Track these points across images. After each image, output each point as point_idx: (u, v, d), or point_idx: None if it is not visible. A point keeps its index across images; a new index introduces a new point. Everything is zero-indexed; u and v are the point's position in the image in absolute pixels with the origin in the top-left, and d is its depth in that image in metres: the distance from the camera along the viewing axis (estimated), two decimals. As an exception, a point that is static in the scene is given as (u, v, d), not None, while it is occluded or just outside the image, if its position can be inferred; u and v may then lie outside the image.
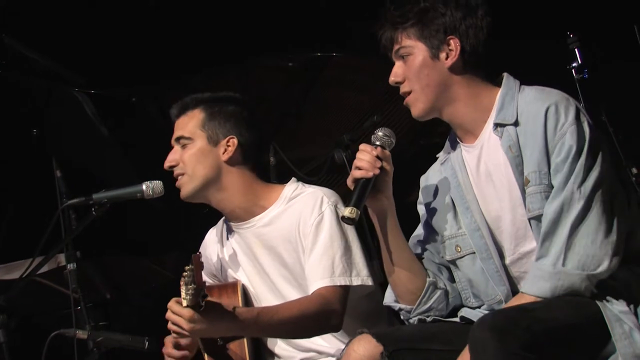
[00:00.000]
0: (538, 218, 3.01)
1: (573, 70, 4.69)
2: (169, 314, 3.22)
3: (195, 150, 3.59)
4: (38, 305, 4.73)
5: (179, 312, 3.18)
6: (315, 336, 3.52)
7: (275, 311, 3.38)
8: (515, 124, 3.06)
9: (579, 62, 4.69)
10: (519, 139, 3.05)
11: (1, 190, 4.97)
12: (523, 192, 3.04)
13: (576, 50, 4.68)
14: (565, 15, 5.28)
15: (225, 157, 3.60)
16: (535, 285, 2.94)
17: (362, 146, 3.14)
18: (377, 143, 3.14)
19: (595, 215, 2.92)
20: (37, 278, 4.35)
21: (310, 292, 3.47)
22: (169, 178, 3.62)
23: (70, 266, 4.11)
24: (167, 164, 3.60)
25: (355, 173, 3.10)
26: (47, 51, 4.89)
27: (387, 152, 3.14)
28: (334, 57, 4.77)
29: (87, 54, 5.35)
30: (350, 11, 5.40)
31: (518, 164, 3.04)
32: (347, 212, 3.05)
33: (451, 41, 3.08)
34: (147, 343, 3.81)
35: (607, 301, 2.93)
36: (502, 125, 3.08)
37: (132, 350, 3.88)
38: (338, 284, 3.45)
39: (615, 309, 2.92)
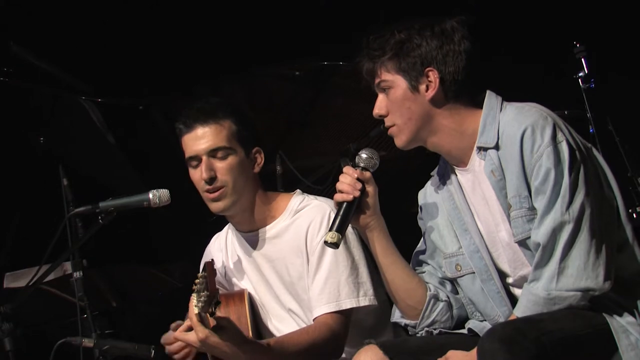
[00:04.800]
0: (523, 242, 3.00)
1: (580, 80, 4.68)
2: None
3: (238, 161, 3.53)
4: (44, 314, 4.73)
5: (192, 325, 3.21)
6: None
7: (285, 344, 3.37)
8: (497, 147, 3.04)
9: (586, 71, 4.68)
10: (501, 163, 3.03)
11: (8, 198, 4.98)
12: (508, 216, 3.03)
13: (582, 60, 4.68)
14: (572, 25, 5.29)
15: (257, 169, 3.59)
16: (530, 310, 2.92)
17: (345, 169, 3.16)
18: (361, 165, 3.16)
19: (586, 237, 2.89)
20: (44, 286, 4.36)
21: (315, 315, 3.47)
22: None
23: (77, 274, 4.10)
24: (207, 178, 3.48)
25: (337, 197, 3.13)
26: (54, 59, 4.89)
27: (368, 173, 3.14)
28: (341, 66, 4.77)
29: (95, 63, 5.37)
30: (355, 19, 5.42)
31: (502, 188, 3.03)
32: (328, 237, 3.08)
33: (429, 73, 3.05)
34: (153, 351, 3.81)
35: (614, 312, 2.93)
36: (485, 149, 3.06)
37: (138, 359, 3.88)
38: (344, 307, 3.45)
39: (621, 320, 2.92)
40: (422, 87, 3.07)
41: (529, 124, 2.96)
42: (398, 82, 3.08)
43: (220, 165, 3.51)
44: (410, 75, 3.06)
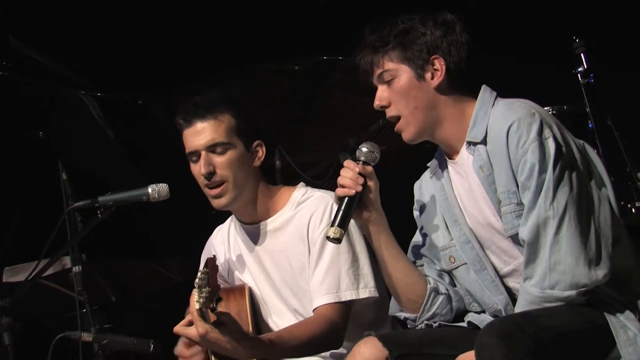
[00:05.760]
0: (514, 237, 3.00)
1: (579, 75, 4.67)
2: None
3: (237, 156, 3.53)
4: (43, 308, 4.73)
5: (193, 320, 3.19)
6: (320, 353, 3.53)
7: (285, 338, 3.37)
8: (484, 142, 3.04)
9: (585, 66, 4.67)
10: (490, 158, 3.02)
11: (7, 192, 4.98)
12: (499, 211, 3.03)
13: (582, 55, 4.67)
14: (571, 19, 5.28)
15: (258, 162, 3.59)
16: (527, 308, 2.91)
17: (346, 163, 3.15)
18: (361, 159, 3.14)
19: (573, 232, 2.88)
20: (43, 281, 4.35)
21: (315, 305, 3.48)
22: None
23: (76, 269, 4.11)
24: (205, 173, 3.49)
25: (338, 191, 3.11)
26: (54, 54, 4.89)
27: (370, 168, 3.13)
28: (340, 61, 4.77)
29: (95, 59, 5.37)
30: (355, 14, 5.41)
31: (491, 183, 3.03)
32: (331, 232, 3.06)
33: (435, 61, 3.06)
34: (152, 346, 3.82)
35: (612, 308, 2.93)
36: (474, 144, 3.06)
37: (137, 353, 3.88)
38: (344, 299, 3.46)
39: (620, 316, 2.92)
40: (428, 75, 3.07)
41: (515, 120, 2.96)
42: (402, 71, 3.08)
43: (219, 160, 3.51)
44: (415, 64, 3.06)
